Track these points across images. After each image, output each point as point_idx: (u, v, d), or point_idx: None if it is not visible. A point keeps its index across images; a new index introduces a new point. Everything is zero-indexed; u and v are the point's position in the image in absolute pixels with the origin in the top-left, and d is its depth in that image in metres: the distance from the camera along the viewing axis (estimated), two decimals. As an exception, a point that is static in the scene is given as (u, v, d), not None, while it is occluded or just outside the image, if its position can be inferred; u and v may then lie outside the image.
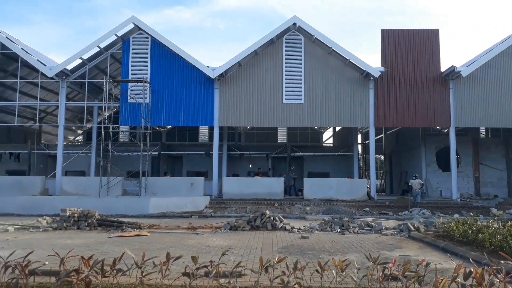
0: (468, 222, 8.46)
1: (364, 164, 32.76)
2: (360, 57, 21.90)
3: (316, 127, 31.96)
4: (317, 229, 10.99)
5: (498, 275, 4.33)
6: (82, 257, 4.42)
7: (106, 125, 21.57)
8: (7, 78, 23.13)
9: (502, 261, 4.86)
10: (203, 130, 32.81)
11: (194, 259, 4.64)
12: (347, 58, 20.49)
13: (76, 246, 7.95)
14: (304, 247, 8.32)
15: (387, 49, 20.94)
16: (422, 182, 19.26)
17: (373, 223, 11.40)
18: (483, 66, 20.22)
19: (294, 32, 20.97)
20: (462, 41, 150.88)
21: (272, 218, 11.21)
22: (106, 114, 24.27)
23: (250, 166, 28.90)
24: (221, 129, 22.39)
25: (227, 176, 23.47)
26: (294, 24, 20.55)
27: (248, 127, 31.28)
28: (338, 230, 10.83)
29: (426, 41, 20.88)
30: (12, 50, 20.87)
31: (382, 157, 33.97)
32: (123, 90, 21.19)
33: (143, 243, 8.73)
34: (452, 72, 20.03)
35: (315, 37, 20.46)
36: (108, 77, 20.75)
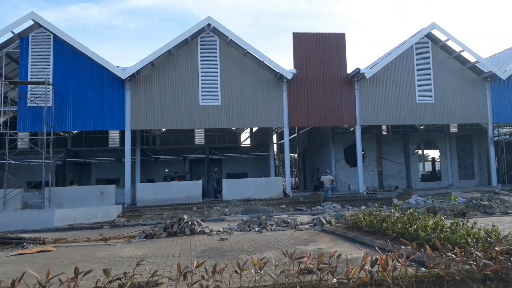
0: (373, 213, 9.12)
1: (280, 163, 33.83)
2: (276, 59, 22.50)
3: (233, 128, 32.19)
4: (236, 230, 11.03)
5: (400, 260, 4.71)
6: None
7: (1, 131, 19.35)
8: None
9: (403, 247, 5.29)
10: (114, 134, 31.06)
11: (106, 271, 4.32)
12: (261, 60, 20.96)
13: (-36, 270, 6.96)
14: (223, 249, 8.28)
15: (299, 52, 21.84)
16: (333, 178, 20.44)
17: (289, 220, 11.76)
18: (384, 68, 22.07)
19: (209, 33, 20.88)
20: (369, 43, 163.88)
21: (190, 222, 10.98)
22: (2, 119, 21.76)
23: (167, 170, 28.09)
24: (133, 132, 21.43)
25: (141, 182, 22.53)
26: (209, 24, 20.46)
27: (164, 129, 30.40)
28: (256, 229, 10.97)
29: (334, 44, 22.19)
30: None
31: (296, 155, 35.42)
32: (22, 93, 19.21)
33: (48, 259, 7.96)
34: (357, 74, 21.56)
35: (230, 39, 20.59)
36: (3, 79, 18.64)
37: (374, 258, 4.63)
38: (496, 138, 25.28)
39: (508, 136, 29.80)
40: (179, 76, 20.53)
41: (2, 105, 18.79)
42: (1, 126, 20.60)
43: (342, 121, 22.71)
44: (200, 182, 21.06)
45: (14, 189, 17.83)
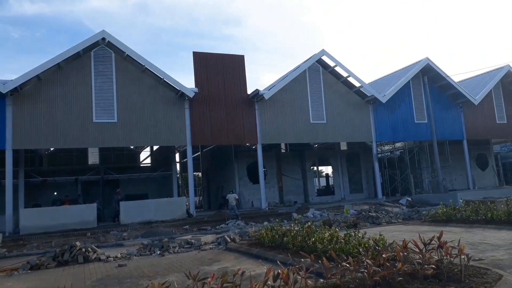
0: (275, 228, 9.40)
1: (183, 182, 33.20)
2: (178, 77, 22.22)
3: (132, 147, 30.74)
4: (135, 255, 10.43)
5: (300, 273, 4.90)
6: None
7: None
8: None
9: (302, 260, 5.52)
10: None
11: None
12: (161, 77, 20.54)
13: None
14: (122, 276, 7.75)
15: (200, 71, 21.90)
16: (237, 197, 20.69)
17: (192, 240, 11.53)
18: (281, 90, 23.22)
19: (104, 47, 19.83)
20: (268, 65, 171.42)
21: (83, 249, 10.08)
22: None
23: (56, 193, 25.58)
24: (16, 152, 19.16)
25: (25, 207, 20.11)
26: (103, 39, 19.45)
27: (52, 149, 27.74)
28: (158, 252, 10.53)
29: (234, 65, 22.75)
30: None
31: (200, 174, 35.13)
32: None
33: None
34: (257, 94, 22.37)
35: (127, 54, 19.83)
36: None
37: (276, 272, 4.75)
38: (379, 155, 28.21)
39: (389, 153, 33.54)
40: (70, 91, 19.02)
41: None
42: None
43: (244, 140, 23.24)
44: (94, 205, 19.53)
45: None
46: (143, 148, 31.87)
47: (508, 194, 19.64)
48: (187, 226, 17.23)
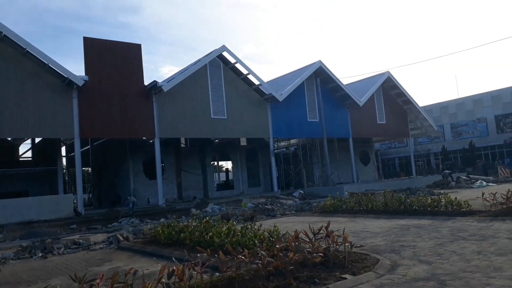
0: (171, 225, 9.16)
1: (71, 179, 30.57)
2: (67, 64, 20.28)
3: (9, 139, 27.29)
4: (12, 258, 9.31)
5: (196, 268, 4.82)
6: None
7: None
8: None
9: (199, 255, 5.45)
10: None
11: None
12: (46, 63, 18.55)
13: None
14: (-6, 284, 6.81)
15: (91, 58, 20.29)
16: (134, 200, 19.54)
17: (80, 240, 10.69)
18: (181, 83, 22.70)
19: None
20: (167, 57, 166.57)
21: None
22: None
23: None
24: None
25: None
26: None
27: None
28: (40, 254, 9.53)
29: (130, 54, 21.55)
30: None
31: (90, 169, 32.75)
32: None
33: None
34: (155, 86, 21.54)
35: (4, 34, 17.48)
36: None
37: (171, 269, 4.61)
38: (276, 151, 29.44)
39: (284, 149, 35.27)
40: None
41: None
42: None
43: (140, 133, 22.24)
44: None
45: None
46: (22, 140, 28.53)
47: (386, 186, 22.13)
48: (74, 226, 15.90)
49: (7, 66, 17.87)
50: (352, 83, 35.77)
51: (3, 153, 27.75)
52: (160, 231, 9.05)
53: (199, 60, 24.56)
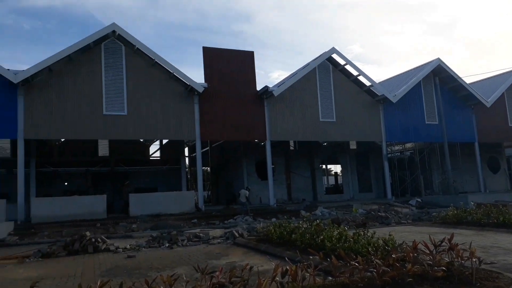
0: (283, 225, 9.41)
1: (192, 177, 33.34)
2: (188, 72, 22.27)
3: (141, 140, 30.94)
4: (144, 247, 10.54)
5: (309, 270, 4.89)
6: None
7: None
8: None
9: (311, 257, 5.52)
10: (4, 144, 27.75)
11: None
12: (171, 72, 20.60)
13: None
14: (131, 267, 7.83)
15: (209, 66, 21.90)
16: (247, 194, 20.58)
17: (201, 234, 11.60)
18: (290, 88, 23.14)
19: (114, 40, 19.92)
20: (277, 61, 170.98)
21: (93, 239, 10.21)
22: None
23: (66, 184, 25.89)
24: (27, 142, 19.39)
25: (36, 196, 20.41)
26: (114, 31, 19.54)
27: (63, 139, 28.03)
28: (167, 245, 10.62)
29: (244, 61, 22.71)
30: None
31: (209, 169, 35.25)
32: None
33: None
34: (266, 91, 22.33)
35: (137, 47, 19.89)
36: None
37: (284, 269, 4.75)
38: (389, 155, 28.03)
39: (399, 154, 33.29)
40: (80, 83, 19.14)
41: None
42: None
43: (253, 136, 23.25)
44: (104, 196, 19.71)
45: None
46: (152, 141, 32.07)
47: (520, 198, 19.41)
48: (195, 220, 17.32)
49: (139, 76, 20.27)
50: (474, 82, 32.10)
51: (137, 153, 31.64)
52: (272, 230, 9.35)
53: (307, 64, 24.69)
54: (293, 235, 8.44)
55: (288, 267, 4.76)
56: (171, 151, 29.44)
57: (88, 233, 10.56)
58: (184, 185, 25.75)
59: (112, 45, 19.86)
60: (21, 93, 18.05)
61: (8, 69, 17.67)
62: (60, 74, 18.88)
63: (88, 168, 25.75)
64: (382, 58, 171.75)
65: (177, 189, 25.06)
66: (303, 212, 18.36)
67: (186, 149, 30.63)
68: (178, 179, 26.33)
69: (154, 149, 33.48)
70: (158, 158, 32.48)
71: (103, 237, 10.81)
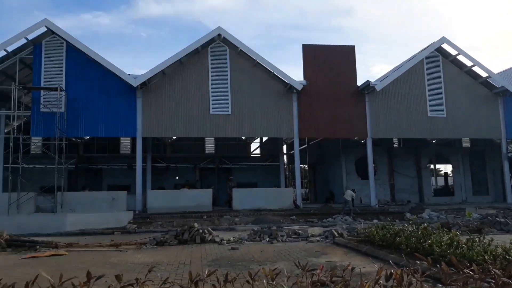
0: (386, 227, 9.02)
1: (290, 174, 33.73)
2: (286, 70, 22.58)
3: (243, 138, 32.26)
4: (246, 240, 10.98)
5: (416, 275, 4.63)
6: (-14, 284, 3.86)
7: (15, 136, 19.64)
8: None
9: (418, 262, 5.21)
10: (125, 141, 31.29)
11: (118, 277, 4.28)
12: (271, 71, 21.05)
13: (-23, 272, 7.02)
14: (234, 259, 8.24)
15: (308, 63, 21.87)
16: (354, 195, 19.95)
17: (300, 231, 11.68)
18: (394, 82, 21.99)
19: (219, 43, 21.05)
20: (379, 55, 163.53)
21: (200, 231, 10.97)
22: (15, 124, 22.13)
23: (177, 178, 28.20)
24: (144, 140, 21.58)
25: (152, 189, 22.62)
26: (219, 35, 20.66)
27: (174, 137, 30.58)
28: (267, 239, 10.92)
29: (344, 56, 22.20)
30: None
31: (307, 166, 35.27)
32: (35, 98, 19.51)
33: (60, 263, 8.00)
34: (367, 86, 21.51)
35: (240, 49, 20.74)
36: (16, 84, 18.97)
37: (388, 272, 4.57)
38: (510, 154, 24.91)
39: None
40: (189, 85, 20.66)
41: (16, 110, 19.04)
42: (15, 131, 20.91)
43: (352, 133, 22.63)
44: (210, 190, 21.06)
45: (27, 193, 18.05)
46: (253, 139, 33.20)
47: None
48: (294, 217, 17.51)
49: (241, 76, 21.14)
50: None
51: (239, 150, 33.10)
52: (374, 232, 9.02)
53: (414, 56, 23.17)
54: (398, 238, 8.04)
55: (392, 271, 4.57)
56: (270, 149, 30.18)
57: (196, 225, 11.37)
58: (283, 182, 26.17)
59: (217, 47, 21.04)
60: (139, 95, 20.13)
61: (129, 74, 19.83)
62: (172, 77, 20.61)
63: (196, 164, 27.70)
64: (498, 45, 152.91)
65: (276, 185, 25.58)
66: (408, 215, 17.34)
67: (285, 147, 31.07)
68: (276, 176, 26.86)
69: (255, 147, 34.69)
70: (259, 155, 33.52)
71: (209, 229, 11.53)
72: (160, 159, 27.34)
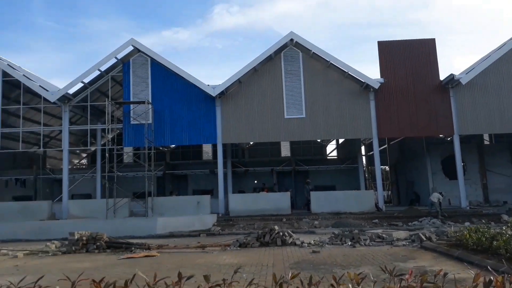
0: (481, 230, 8.36)
1: (370, 176, 32.63)
2: (361, 69, 21.97)
3: (319, 140, 32.00)
4: (327, 243, 10.89)
5: (519, 282, 4.25)
6: (93, 280, 4.33)
7: (110, 147, 21.62)
8: (10, 104, 23.16)
9: (520, 268, 4.78)
10: (206, 148, 32.84)
11: (206, 278, 4.53)
12: (346, 71, 20.62)
13: (86, 269, 7.87)
14: (316, 262, 8.23)
15: (385, 60, 21.05)
16: (441, 198, 18.68)
17: (383, 235, 11.29)
18: (482, 73, 20.26)
19: (292, 48, 21.16)
20: (461, 48, 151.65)
21: (281, 233, 11.12)
22: (110, 136, 24.34)
23: (256, 181, 28.80)
24: (224, 146, 22.41)
25: (232, 193, 23.38)
26: (291, 40, 20.76)
27: (251, 143, 31.32)
28: (349, 243, 10.72)
29: (423, 51, 21.00)
30: (14, 77, 21.10)
31: (387, 167, 33.85)
32: (126, 112, 21.30)
33: (153, 263, 8.65)
34: (452, 80, 20.09)
35: (313, 52, 20.63)
36: (110, 100, 20.87)
37: (488, 279, 4.25)
38: None
39: None
40: (264, 91, 21.04)
41: (110, 123, 20.96)
42: (110, 142, 22.98)
43: (437, 131, 21.26)
44: (288, 193, 21.19)
45: (122, 198, 19.74)
46: (329, 141, 32.73)
47: None
48: (376, 220, 16.93)
49: (315, 79, 21.01)
50: None
51: (315, 152, 32.90)
52: (467, 235, 8.41)
53: (504, 44, 21.15)
54: (495, 242, 7.41)
55: (492, 277, 4.25)
56: (347, 150, 29.52)
57: (276, 227, 11.54)
58: (362, 184, 25.42)
59: (290, 52, 21.20)
60: (218, 104, 20.99)
61: (208, 85, 20.80)
62: (247, 85, 21.18)
63: (273, 168, 28.08)
64: None
65: (355, 188, 24.91)
66: (505, 217, 15.84)
67: (363, 147, 30.16)
68: (355, 178, 26.17)
69: (331, 148, 34.18)
70: (335, 157, 32.97)
71: (290, 232, 11.63)
72: (238, 164, 28.17)
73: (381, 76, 20.87)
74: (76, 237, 11.17)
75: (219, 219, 18.24)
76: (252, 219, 17.98)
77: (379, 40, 22.01)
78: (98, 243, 11.05)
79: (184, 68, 21.22)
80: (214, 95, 20.41)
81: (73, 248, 10.97)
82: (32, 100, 23.44)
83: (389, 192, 32.70)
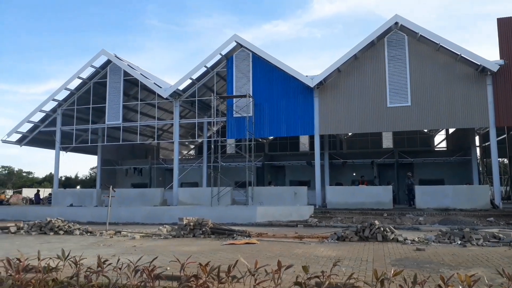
0: None
1: (485, 169, 29.43)
2: (474, 51, 19.82)
3: (425, 130, 29.78)
4: (433, 241, 10.20)
5: None
6: (200, 264, 4.71)
7: (215, 139, 22.94)
8: (130, 101, 25.99)
9: None
10: (304, 140, 32.86)
11: (304, 268, 4.61)
12: (458, 53, 18.78)
13: (193, 253, 8.57)
14: (421, 260, 7.78)
15: (506, 40, 18.67)
16: None
17: (500, 235, 10.17)
18: None
19: (396, 31, 19.95)
20: None
21: (382, 228, 10.71)
22: (215, 129, 25.83)
23: (354, 174, 28.01)
24: (321, 137, 22.17)
25: (330, 185, 23.09)
26: (396, 23, 19.57)
27: (350, 134, 30.46)
28: (459, 242, 9.89)
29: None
30: (132, 76, 23.56)
31: (506, 160, 30.15)
32: (229, 106, 22.35)
33: (253, 251, 9.04)
34: None
35: (420, 35, 19.19)
36: (215, 94, 22.10)
37: None
38: None
39: None
40: (365, 79, 20.24)
41: (215, 116, 22.22)
42: (215, 134, 24.39)
43: None
44: (390, 187, 20.18)
45: (225, 187, 20.89)
46: (437, 131, 30.29)
47: None
48: (491, 218, 15.29)
49: (422, 64, 19.54)
50: None
51: (421, 143, 30.75)
52: None
53: None
54: None
55: None
56: (458, 141, 26.98)
57: (377, 222, 11.14)
58: (476, 178, 23.08)
59: (394, 37, 20.04)
60: (316, 95, 20.83)
61: (306, 76, 20.76)
62: (346, 74, 20.62)
63: (373, 160, 27.00)
64: None
65: (466, 182, 22.70)
66: None
67: (477, 138, 27.30)
68: (468, 172, 23.86)
69: (439, 139, 31.61)
70: (444, 148, 30.42)
71: (391, 227, 11.14)
72: (336, 156, 27.68)
73: (501, 58, 18.59)
74: (184, 223, 12.18)
75: (316, 211, 18.20)
76: (350, 212, 17.58)
77: (498, 17, 19.59)
78: (203, 229, 11.90)
79: (282, 59, 21.50)
80: (312, 86, 20.30)
81: (182, 232, 11.98)
82: (147, 96, 25.93)
83: (507, 188, 29.12)
